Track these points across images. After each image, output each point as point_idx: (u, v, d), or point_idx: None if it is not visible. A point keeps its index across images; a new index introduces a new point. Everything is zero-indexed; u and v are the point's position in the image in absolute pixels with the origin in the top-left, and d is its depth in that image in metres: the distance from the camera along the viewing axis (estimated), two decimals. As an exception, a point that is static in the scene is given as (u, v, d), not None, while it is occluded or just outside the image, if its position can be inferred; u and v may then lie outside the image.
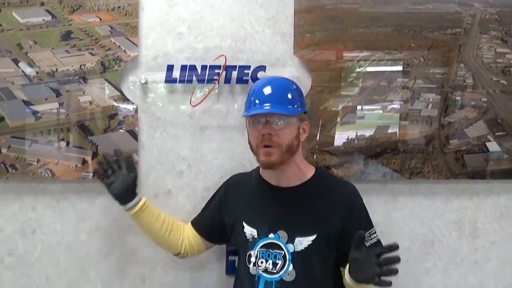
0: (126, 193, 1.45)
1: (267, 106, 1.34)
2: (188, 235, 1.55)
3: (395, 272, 1.13)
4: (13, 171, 1.62)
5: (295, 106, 1.37)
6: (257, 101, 1.37)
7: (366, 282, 1.20)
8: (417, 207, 1.76)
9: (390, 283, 1.12)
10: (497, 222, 1.79)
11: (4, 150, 1.62)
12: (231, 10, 1.68)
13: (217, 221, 1.52)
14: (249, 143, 1.41)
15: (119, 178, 1.45)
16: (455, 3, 1.73)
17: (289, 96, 1.38)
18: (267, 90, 1.38)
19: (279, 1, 1.68)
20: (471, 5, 1.74)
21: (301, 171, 1.43)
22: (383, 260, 1.14)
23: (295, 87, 1.43)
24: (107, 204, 1.66)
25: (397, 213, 1.75)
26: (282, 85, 1.42)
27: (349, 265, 1.28)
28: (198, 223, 1.55)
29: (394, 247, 1.13)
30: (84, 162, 1.63)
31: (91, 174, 1.64)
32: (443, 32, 1.73)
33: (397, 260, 1.12)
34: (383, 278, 1.13)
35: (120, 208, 1.57)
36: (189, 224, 1.57)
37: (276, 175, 1.42)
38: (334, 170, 1.70)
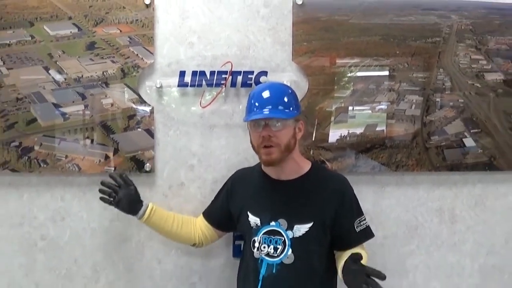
0: (133, 205, 1.51)
1: (266, 110, 1.40)
2: (201, 226, 1.61)
3: None
4: (45, 165, 1.69)
5: (291, 108, 1.42)
6: (257, 104, 1.42)
7: None
8: (403, 196, 1.83)
9: None
10: (472, 209, 1.86)
11: (36, 147, 1.68)
12: (236, 22, 1.74)
13: (226, 212, 1.57)
14: (251, 143, 1.47)
15: (123, 195, 1.49)
16: (435, 15, 1.77)
17: (285, 99, 1.43)
18: (266, 95, 1.43)
19: (279, 13, 1.74)
20: (449, 17, 1.78)
21: (298, 166, 1.49)
22: (370, 281, 1.19)
23: (290, 91, 1.48)
24: (127, 195, 1.78)
25: (384, 201, 1.82)
26: (279, 90, 1.47)
27: (344, 270, 1.31)
28: (208, 215, 1.62)
29: (381, 276, 1.18)
30: (106, 157, 1.70)
31: (113, 168, 1.69)
32: (425, 40, 1.78)
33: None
34: None
35: None
36: (201, 216, 1.63)
37: (276, 169, 1.48)
38: (329, 163, 1.75)
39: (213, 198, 1.65)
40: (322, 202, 1.45)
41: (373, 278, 1.20)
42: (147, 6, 1.69)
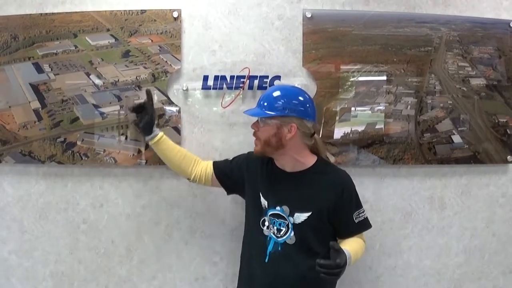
0: (148, 127, 1.60)
1: (256, 107, 1.50)
2: (205, 168, 1.65)
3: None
4: (86, 158, 1.78)
5: (277, 109, 1.45)
6: (261, 102, 1.51)
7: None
8: (399, 186, 1.92)
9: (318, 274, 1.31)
10: (459, 197, 1.95)
11: (79, 143, 1.78)
12: (253, 32, 1.82)
13: (230, 173, 1.62)
14: None
15: (144, 119, 1.59)
16: (427, 28, 1.86)
17: (275, 99, 1.47)
18: (265, 93, 1.53)
19: (291, 25, 1.83)
20: (439, 29, 1.87)
21: (298, 162, 1.51)
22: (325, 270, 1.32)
23: (289, 93, 1.50)
24: (157, 184, 1.83)
25: (383, 190, 1.91)
26: (277, 91, 1.51)
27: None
28: (218, 165, 1.66)
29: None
30: (139, 151, 1.79)
31: (144, 161, 1.78)
32: (418, 49, 1.86)
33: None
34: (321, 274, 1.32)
35: (168, 187, 1.76)
36: (210, 163, 1.66)
37: (279, 162, 1.54)
38: (334, 157, 1.81)
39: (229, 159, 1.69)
40: (322, 194, 1.48)
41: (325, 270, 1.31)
42: (175, 19, 1.77)
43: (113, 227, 1.86)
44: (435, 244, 1.96)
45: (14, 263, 1.86)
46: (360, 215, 1.52)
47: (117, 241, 1.87)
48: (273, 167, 1.56)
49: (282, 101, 1.47)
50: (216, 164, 1.67)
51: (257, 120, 1.51)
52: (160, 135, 1.62)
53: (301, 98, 1.51)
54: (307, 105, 1.51)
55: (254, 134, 1.51)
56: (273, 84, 1.81)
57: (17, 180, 1.84)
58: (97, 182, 1.85)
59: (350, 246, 1.45)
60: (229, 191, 1.69)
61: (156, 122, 1.66)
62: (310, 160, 1.54)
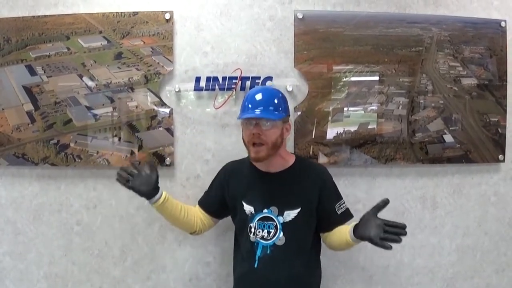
0: (150, 190, 1.49)
1: (257, 110, 1.44)
2: (199, 215, 1.64)
3: (398, 241, 1.27)
4: (79, 160, 1.78)
5: (280, 110, 1.47)
6: (250, 104, 1.47)
7: (368, 239, 1.33)
8: (391, 185, 1.92)
9: (390, 247, 1.27)
10: (451, 197, 1.95)
11: (72, 144, 1.78)
12: (245, 33, 1.83)
13: (222, 201, 1.61)
14: (243, 139, 1.51)
15: (142, 180, 1.48)
16: (418, 28, 1.86)
17: (276, 102, 1.48)
18: (259, 96, 1.48)
19: (282, 26, 1.83)
20: (430, 29, 1.87)
21: (284, 160, 1.54)
22: (388, 227, 1.30)
23: (280, 95, 1.51)
24: (150, 186, 1.83)
25: (375, 190, 1.91)
26: (271, 93, 1.50)
27: (358, 223, 1.38)
28: (204, 204, 1.65)
29: (400, 225, 1.30)
30: (132, 153, 1.80)
31: (138, 162, 1.68)
32: (409, 50, 1.86)
33: (401, 233, 1.28)
34: (385, 242, 1.28)
35: (161, 188, 1.61)
36: (197, 206, 1.65)
37: (264, 163, 1.51)
38: (327, 157, 1.82)
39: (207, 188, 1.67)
40: (307, 189, 1.51)
41: (391, 225, 1.29)
42: (167, 20, 1.78)
43: (107, 228, 1.85)
44: (427, 243, 1.95)
45: (8, 265, 1.85)
46: (342, 206, 1.55)
47: (111, 242, 1.86)
48: (255, 172, 1.55)
49: (279, 101, 1.49)
50: (201, 203, 1.66)
51: (256, 122, 1.45)
52: (165, 195, 1.54)
53: (285, 97, 1.55)
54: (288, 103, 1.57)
55: (258, 138, 1.45)
56: (265, 85, 1.80)
57: (10, 182, 1.84)
58: (90, 184, 1.85)
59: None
60: (219, 216, 1.68)
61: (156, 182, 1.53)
62: (291, 157, 1.57)
